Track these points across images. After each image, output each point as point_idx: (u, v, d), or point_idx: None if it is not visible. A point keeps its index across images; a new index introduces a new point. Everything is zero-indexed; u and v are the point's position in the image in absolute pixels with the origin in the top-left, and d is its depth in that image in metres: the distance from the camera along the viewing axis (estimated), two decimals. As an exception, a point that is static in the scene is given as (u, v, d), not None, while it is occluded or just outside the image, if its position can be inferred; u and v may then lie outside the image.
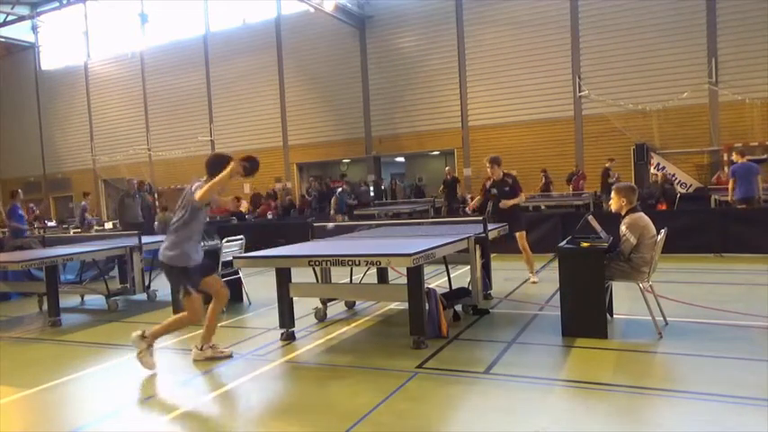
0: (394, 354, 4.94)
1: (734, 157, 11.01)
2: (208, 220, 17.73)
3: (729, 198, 10.94)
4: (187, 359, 5.22)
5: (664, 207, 13.43)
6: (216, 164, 4.63)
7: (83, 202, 19.30)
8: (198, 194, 4.51)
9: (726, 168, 15.68)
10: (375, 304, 6.88)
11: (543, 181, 17.37)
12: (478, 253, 6.03)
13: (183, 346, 5.72)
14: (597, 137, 17.86)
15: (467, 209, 9.33)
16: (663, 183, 14.79)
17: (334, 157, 22.58)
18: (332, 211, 16.74)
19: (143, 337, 4.73)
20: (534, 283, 7.95)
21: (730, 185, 10.79)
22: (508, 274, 8.55)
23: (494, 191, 8.12)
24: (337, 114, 21.50)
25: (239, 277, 7.52)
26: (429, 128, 20.07)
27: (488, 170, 8.23)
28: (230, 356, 5.00)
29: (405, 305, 5.42)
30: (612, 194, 5.39)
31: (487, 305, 6.45)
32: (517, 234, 7.92)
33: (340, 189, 17.89)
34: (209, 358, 4.94)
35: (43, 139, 27.77)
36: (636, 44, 17.04)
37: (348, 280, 6.69)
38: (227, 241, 7.28)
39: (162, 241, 4.90)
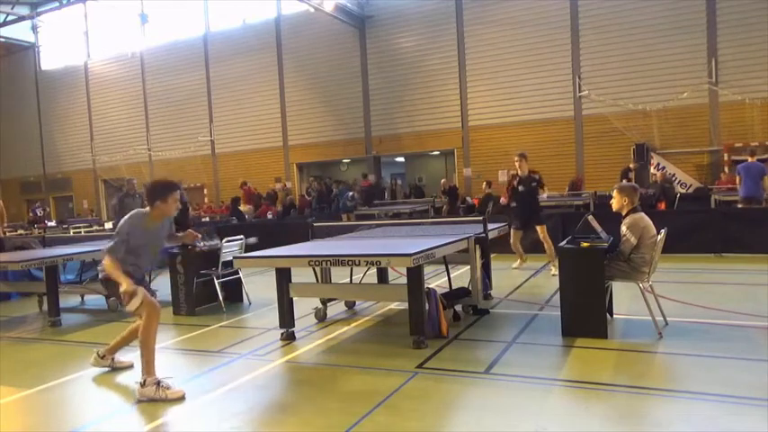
0: (394, 354, 4.94)
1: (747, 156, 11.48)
2: (207, 219, 17.61)
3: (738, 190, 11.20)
4: (187, 359, 5.23)
5: (663, 206, 13.44)
6: (154, 193, 4.39)
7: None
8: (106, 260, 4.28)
9: (726, 169, 15.78)
10: (375, 304, 6.88)
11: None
12: (478, 253, 6.04)
13: (182, 345, 5.73)
14: (597, 137, 17.85)
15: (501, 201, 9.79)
16: (662, 182, 14.78)
17: (334, 157, 22.59)
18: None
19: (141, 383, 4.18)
20: (555, 275, 8.04)
21: (737, 182, 11.17)
22: (511, 273, 8.55)
23: (521, 188, 8.67)
24: (337, 114, 21.50)
25: (239, 277, 7.52)
26: (429, 128, 20.06)
27: (516, 164, 8.82)
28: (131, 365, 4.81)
29: (405, 305, 5.42)
30: (614, 194, 5.39)
31: (487, 305, 6.45)
32: (538, 227, 8.62)
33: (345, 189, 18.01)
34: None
35: (43, 139, 27.77)
36: (636, 44, 17.03)
37: (348, 280, 6.69)
38: (227, 241, 7.28)
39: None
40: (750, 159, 11.03)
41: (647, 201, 11.96)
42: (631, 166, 15.92)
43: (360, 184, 20.38)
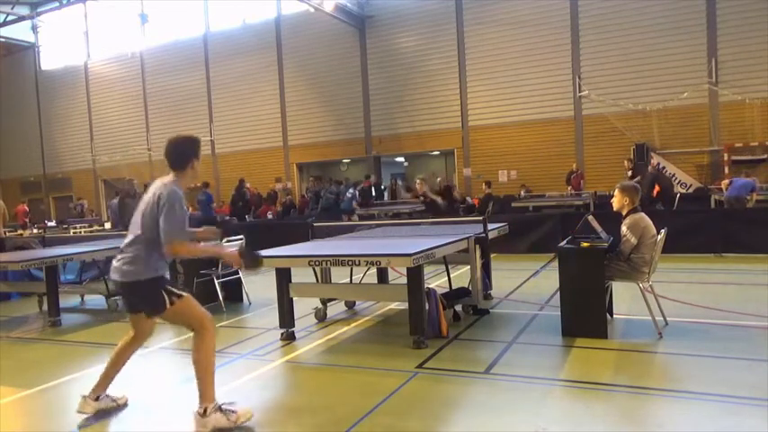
0: (394, 354, 4.94)
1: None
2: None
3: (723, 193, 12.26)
4: (187, 359, 5.22)
5: (657, 190, 13.29)
6: (181, 154, 3.61)
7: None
8: (175, 246, 3.44)
9: (726, 169, 15.81)
10: (375, 304, 6.88)
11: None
12: (478, 253, 6.04)
13: (182, 345, 5.72)
14: (597, 137, 17.85)
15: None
16: (654, 170, 14.55)
17: (334, 157, 22.58)
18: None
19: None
20: None
21: (724, 185, 12.24)
22: (511, 273, 8.55)
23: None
24: (337, 114, 21.49)
25: (239, 277, 7.52)
26: (429, 128, 20.06)
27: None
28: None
29: (405, 305, 5.42)
30: (616, 193, 5.39)
31: (487, 305, 6.45)
32: None
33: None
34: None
35: (43, 139, 27.76)
36: (636, 44, 17.03)
37: (348, 280, 6.69)
38: (227, 241, 7.28)
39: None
40: (744, 177, 12.42)
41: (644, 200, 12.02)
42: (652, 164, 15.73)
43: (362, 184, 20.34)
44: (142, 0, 24.33)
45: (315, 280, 6.21)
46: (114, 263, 3.58)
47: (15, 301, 8.71)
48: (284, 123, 22.37)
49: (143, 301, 3.57)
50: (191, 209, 17.80)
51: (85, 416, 3.82)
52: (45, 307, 7.21)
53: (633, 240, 5.08)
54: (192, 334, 3.63)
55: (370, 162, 21.32)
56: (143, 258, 3.47)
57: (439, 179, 18.52)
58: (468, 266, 6.15)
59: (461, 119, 19.63)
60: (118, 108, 25.66)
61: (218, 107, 23.46)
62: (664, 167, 16.44)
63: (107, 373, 3.88)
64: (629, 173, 15.05)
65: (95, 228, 18.25)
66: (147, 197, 3.55)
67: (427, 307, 5.12)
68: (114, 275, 3.56)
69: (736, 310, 5.68)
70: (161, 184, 3.54)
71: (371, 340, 5.59)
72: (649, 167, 15.81)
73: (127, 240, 3.56)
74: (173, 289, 3.55)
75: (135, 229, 3.54)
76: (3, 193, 26.23)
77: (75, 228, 18.68)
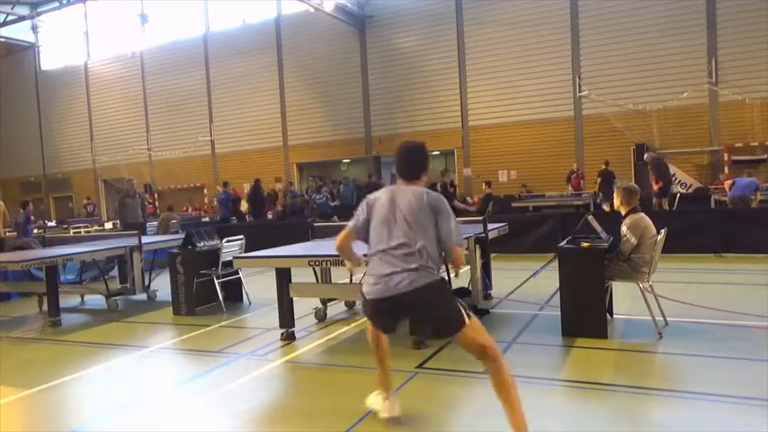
0: (394, 354, 4.89)
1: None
2: (207, 219, 17.51)
3: (727, 193, 12.15)
4: (187, 359, 5.23)
5: (657, 186, 13.03)
6: (420, 164, 3.37)
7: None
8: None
9: (726, 169, 15.80)
10: (375, 304, 6.86)
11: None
12: (478, 253, 6.03)
13: (182, 345, 5.73)
14: (597, 137, 17.85)
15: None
16: (654, 159, 14.29)
17: (334, 157, 22.58)
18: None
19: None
20: None
21: (727, 187, 12.12)
22: (511, 273, 8.55)
23: None
24: (337, 114, 21.49)
25: (239, 277, 7.52)
26: (429, 128, 20.05)
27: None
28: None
29: (405, 305, 5.41)
30: (615, 193, 5.40)
31: (487, 305, 6.45)
32: None
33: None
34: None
35: (43, 139, 27.77)
36: (636, 44, 17.04)
37: (348, 280, 6.68)
38: (228, 241, 7.28)
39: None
40: (746, 177, 12.21)
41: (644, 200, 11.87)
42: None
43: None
44: (142, 0, 24.34)
45: (315, 280, 6.21)
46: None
47: (15, 301, 8.71)
48: (284, 123, 22.38)
49: None
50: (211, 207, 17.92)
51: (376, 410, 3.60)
52: (45, 307, 7.21)
53: (633, 240, 5.08)
54: None
55: (369, 162, 21.32)
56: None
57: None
58: (468, 266, 6.15)
59: (461, 119, 19.64)
60: (118, 108, 25.67)
61: (218, 107, 23.47)
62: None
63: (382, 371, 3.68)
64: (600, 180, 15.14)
65: (95, 227, 18.26)
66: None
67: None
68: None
69: (736, 310, 5.68)
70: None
71: (371, 340, 5.58)
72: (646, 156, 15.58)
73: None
74: None
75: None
76: (3, 194, 26.24)
77: (77, 227, 18.68)
